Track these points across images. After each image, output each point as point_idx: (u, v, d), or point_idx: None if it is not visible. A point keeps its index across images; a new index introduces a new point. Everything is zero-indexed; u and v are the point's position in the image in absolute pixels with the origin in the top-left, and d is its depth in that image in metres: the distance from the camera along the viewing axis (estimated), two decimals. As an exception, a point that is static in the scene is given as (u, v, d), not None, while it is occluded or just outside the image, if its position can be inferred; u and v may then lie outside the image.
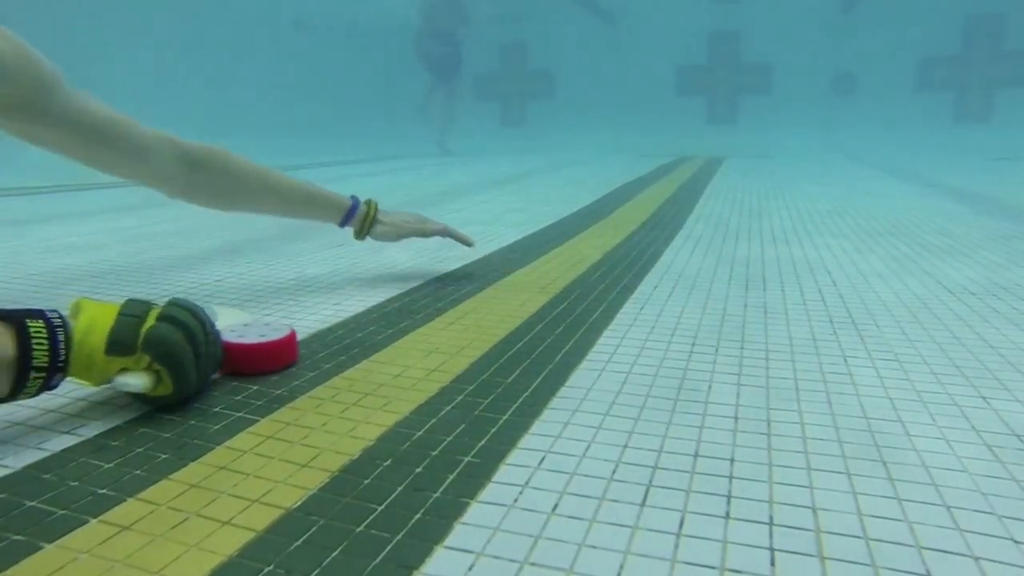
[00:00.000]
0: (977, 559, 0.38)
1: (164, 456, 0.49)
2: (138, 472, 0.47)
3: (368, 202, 1.00)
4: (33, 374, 0.48)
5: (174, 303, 0.58)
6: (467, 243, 1.09)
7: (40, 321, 0.49)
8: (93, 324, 0.52)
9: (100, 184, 2.57)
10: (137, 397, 0.56)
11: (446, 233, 1.06)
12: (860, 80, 6.02)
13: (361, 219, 0.99)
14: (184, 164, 0.82)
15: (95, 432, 0.53)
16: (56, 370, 0.50)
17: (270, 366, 0.66)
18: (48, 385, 0.50)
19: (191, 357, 0.55)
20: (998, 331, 0.79)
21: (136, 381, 0.53)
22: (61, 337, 0.50)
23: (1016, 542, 0.39)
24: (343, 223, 0.99)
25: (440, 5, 5.46)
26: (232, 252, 1.29)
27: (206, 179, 0.85)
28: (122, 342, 0.52)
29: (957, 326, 0.81)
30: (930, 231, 1.51)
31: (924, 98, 5.82)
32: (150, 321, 0.54)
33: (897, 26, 5.84)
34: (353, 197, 1.00)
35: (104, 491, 0.44)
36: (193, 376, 0.56)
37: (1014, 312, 0.87)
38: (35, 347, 0.48)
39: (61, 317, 0.51)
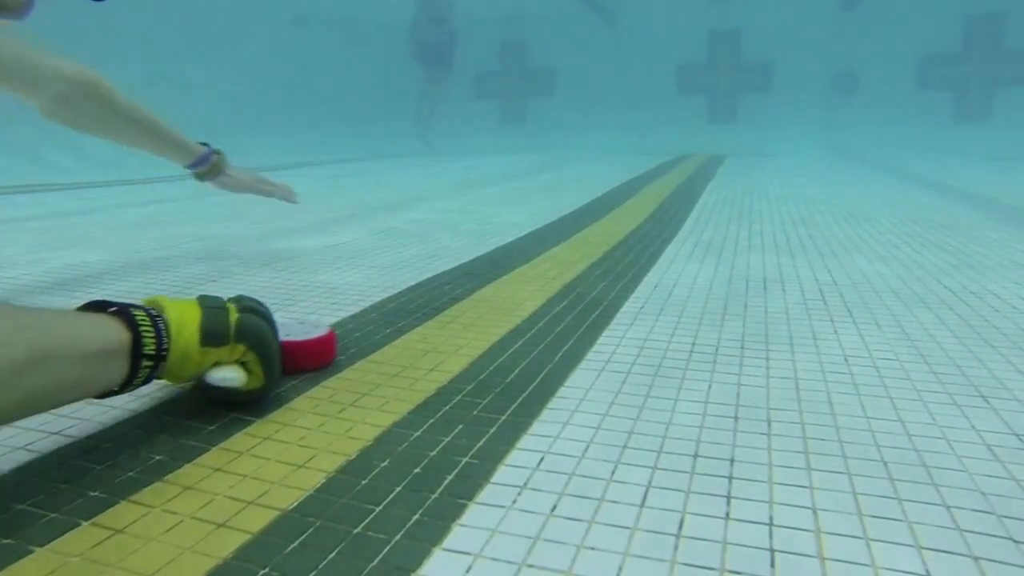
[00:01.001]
0: (976, 559, 0.38)
1: (158, 457, 0.49)
2: (131, 474, 0.46)
3: (217, 152, 1.12)
4: (144, 362, 0.48)
5: (243, 298, 0.58)
6: (291, 200, 1.24)
7: (141, 311, 0.49)
8: (183, 317, 0.51)
9: (50, 187, 2.56)
10: (222, 395, 0.55)
11: (277, 194, 1.21)
12: (861, 78, 6.01)
13: (209, 166, 1.11)
14: (66, 94, 0.91)
15: (85, 433, 0.53)
16: (161, 359, 0.49)
17: (319, 363, 0.66)
18: (152, 376, 0.49)
19: (279, 347, 0.56)
20: (998, 330, 0.79)
21: (234, 374, 0.53)
22: (162, 326, 0.49)
23: (1016, 542, 0.39)
24: (193, 166, 1.10)
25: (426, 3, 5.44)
26: (223, 253, 1.28)
27: (84, 108, 0.94)
28: (216, 333, 0.51)
29: (957, 325, 0.81)
30: (929, 231, 1.50)
31: (925, 97, 5.81)
32: (233, 313, 0.54)
33: (898, 25, 5.83)
34: (206, 144, 1.11)
35: (96, 493, 0.44)
36: (280, 367, 0.56)
37: (1014, 311, 0.87)
38: (144, 335, 0.48)
39: (154, 309, 0.51)
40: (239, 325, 0.53)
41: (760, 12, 6.19)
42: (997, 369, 0.66)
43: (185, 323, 0.51)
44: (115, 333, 0.46)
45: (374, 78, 6.41)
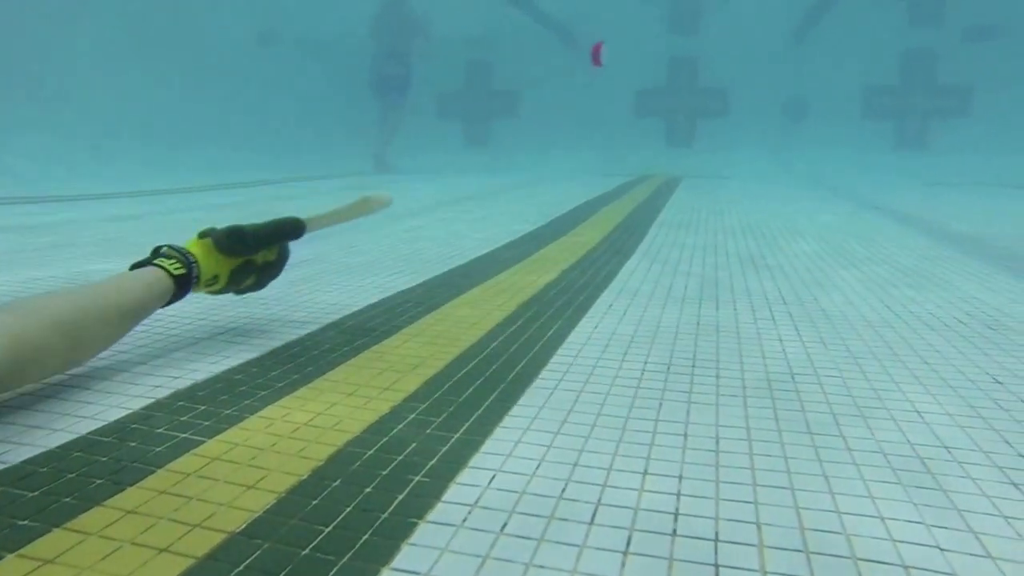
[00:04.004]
0: (907, 567, 0.39)
1: (99, 481, 0.47)
2: (67, 500, 0.45)
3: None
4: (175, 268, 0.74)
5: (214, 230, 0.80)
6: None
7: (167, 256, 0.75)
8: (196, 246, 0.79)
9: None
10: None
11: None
12: (810, 106, 6.28)
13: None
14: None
15: (21, 458, 0.50)
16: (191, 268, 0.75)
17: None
18: (190, 278, 0.75)
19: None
20: (931, 346, 0.83)
21: None
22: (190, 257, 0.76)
23: (942, 550, 0.41)
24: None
25: (389, 25, 5.53)
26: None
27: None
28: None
29: (896, 342, 0.84)
30: (880, 252, 1.57)
31: (868, 125, 6.11)
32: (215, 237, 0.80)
33: (842, 57, 6.15)
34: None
35: (25, 522, 0.42)
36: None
37: (945, 328, 0.91)
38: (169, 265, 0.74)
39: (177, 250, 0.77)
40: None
41: (717, 41, 6.42)
42: (930, 382, 0.70)
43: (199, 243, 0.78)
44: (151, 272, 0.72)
45: (338, 94, 6.37)
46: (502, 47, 6.73)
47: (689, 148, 6.32)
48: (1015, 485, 0.49)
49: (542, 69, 6.63)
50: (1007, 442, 0.56)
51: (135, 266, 0.74)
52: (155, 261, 0.75)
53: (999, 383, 0.71)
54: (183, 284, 0.75)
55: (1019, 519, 0.45)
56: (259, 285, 0.86)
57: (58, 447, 0.52)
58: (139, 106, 4.40)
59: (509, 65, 6.75)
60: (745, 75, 6.33)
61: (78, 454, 0.51)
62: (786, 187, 3.78)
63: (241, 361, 0.73)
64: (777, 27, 6.26)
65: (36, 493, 0.45)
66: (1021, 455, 0.54)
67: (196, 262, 0.76)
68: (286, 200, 2.80)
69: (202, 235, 0.80)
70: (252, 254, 0.82)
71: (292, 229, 0.85)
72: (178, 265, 0.75)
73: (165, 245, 0.77)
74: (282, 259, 0.88)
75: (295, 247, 0.89)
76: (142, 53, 4.56)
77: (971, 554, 0.41)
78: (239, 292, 0.85)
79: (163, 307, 0.75)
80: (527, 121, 6.70)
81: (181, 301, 0.77)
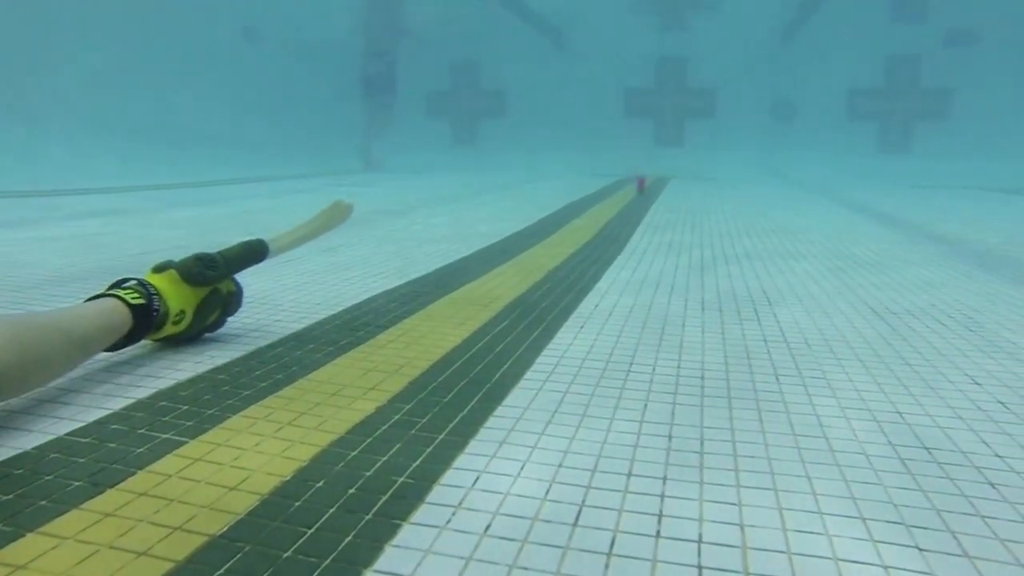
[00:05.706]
0: (887, 568, 0.40)
1: (76, 484, 0.46)
2: (43, 503, 0.44)
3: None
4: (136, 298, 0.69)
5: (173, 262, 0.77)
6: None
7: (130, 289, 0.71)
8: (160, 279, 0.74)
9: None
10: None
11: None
12: (798, 108, 6.34)
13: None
14: None
15: (-4, 460, 0.50)
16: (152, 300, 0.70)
17: None
18: (152, 309, 0.70)
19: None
20: (914, 349, 0.83)
21: None
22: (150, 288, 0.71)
23: (921, 550, 0.41)
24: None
25: (376, 24, 5.56)
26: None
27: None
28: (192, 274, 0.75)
29: (879, 344, 0.85)
30: (863, 253, 1.58)
31: (854, 127, 6.18)
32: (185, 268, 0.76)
33: (828, 59, 6.21)
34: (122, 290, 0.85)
35: (-2, 526, 0.41)
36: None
37: (929, 331, 0.92)
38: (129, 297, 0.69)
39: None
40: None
41: (705, 41, 6.45)
42: (911, 384, 0.70)
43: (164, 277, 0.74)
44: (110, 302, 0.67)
45: (324, 92, 6.33)
46: (490, 46, 6.72)
47: (680, 148, 6.36)
48: (993, 486, 0.50)
49: (530, 68, 6.64)
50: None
51: (91, 299, 0.69)
52: (110, 292, 0.70)
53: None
54: (142, 316, 0.69)
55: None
56: (220, 322, 0.81)
57: (34, 448, 0.51)
58: (126, 103, 4.36)
59: (497, 64, 6.74)
60: (733, 76, 6.37)
61: (55, 455, 0.50)
62: (776, 191, 3.81)
63: (225, 361, 0.73)
64: (765, 28, 6.31)
65: (10, 496, 0.45)
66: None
67: (157, 294, 0.71)
68: (276, 197, 2.78)
69: (158, 269, 0.75)
70: (222, 280, 0.78)
71: (259, 250, 0.83)
72: (136, 295, 0.69)
73: (123, 278, 0.72)
74: (240, 290, 0.83)
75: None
76: (125, 48, 4.51)
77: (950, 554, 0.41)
78: (201, 331, 0.79)
79: (126, 344, 0.70)
80: (515, 120, 6.71)
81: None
